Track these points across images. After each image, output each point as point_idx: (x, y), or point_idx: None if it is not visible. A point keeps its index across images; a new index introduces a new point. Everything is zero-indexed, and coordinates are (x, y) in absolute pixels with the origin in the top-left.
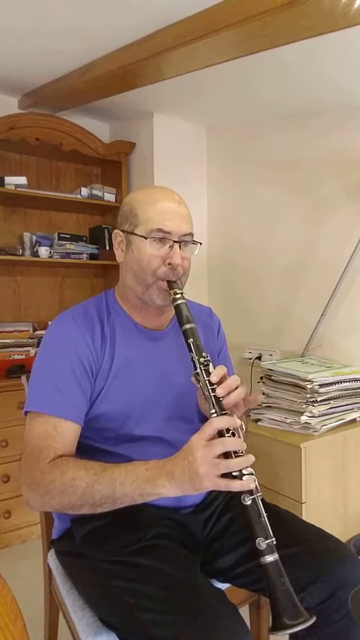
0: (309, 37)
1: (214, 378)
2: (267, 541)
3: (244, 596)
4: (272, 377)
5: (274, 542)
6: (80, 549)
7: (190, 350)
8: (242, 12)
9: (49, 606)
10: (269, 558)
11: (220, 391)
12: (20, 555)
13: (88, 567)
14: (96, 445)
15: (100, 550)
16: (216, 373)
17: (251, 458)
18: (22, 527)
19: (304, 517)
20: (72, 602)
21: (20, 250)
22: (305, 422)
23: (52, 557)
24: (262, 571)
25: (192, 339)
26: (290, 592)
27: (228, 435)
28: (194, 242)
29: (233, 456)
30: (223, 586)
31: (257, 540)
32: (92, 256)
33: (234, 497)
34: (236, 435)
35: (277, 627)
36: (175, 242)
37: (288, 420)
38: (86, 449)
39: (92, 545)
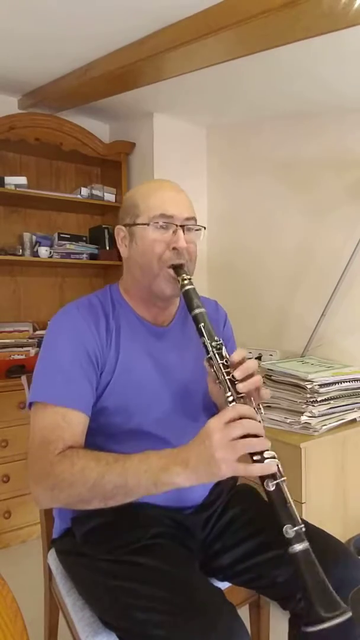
0: (308, 37)
1: (235, 356)
2: (295, 528)
3: (244, 596)
4: (272, 377)
5: (303, 529)
6: (81, 548)
7: (202, 335)
8: (242, 12)
9: (49, 606)
10: (298, 547)
11: (237, 374)
12: (20, 555)
13: (88, 566)
14: (98, 440)
15: (100, 549)
16: (238, 353)
17: (269, 442)
18: (22, 527)
19: (304, 517)
20: (72, 602)
21: (20, 250)
22: (305, 422)
23: (52, 556)
24: (291, 562)
25: (202, 324)
26: (325, 582)
27: None
28: (198, 228)
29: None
30: (223, 585)
31: (284, 528)
32: (92, 256)
33: (235, 497)
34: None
35: (312, 621)
36: (178, 226)
37: (288, 420)
38: (88, 444)
39: (92, 544)
